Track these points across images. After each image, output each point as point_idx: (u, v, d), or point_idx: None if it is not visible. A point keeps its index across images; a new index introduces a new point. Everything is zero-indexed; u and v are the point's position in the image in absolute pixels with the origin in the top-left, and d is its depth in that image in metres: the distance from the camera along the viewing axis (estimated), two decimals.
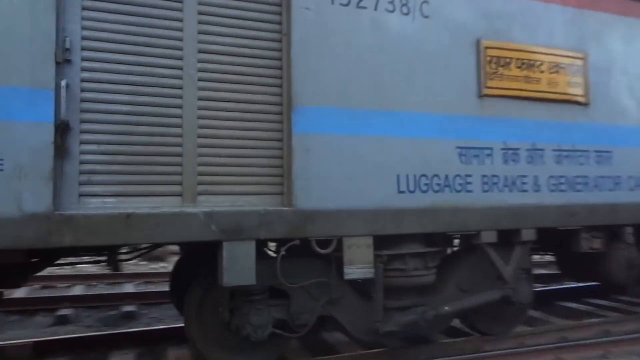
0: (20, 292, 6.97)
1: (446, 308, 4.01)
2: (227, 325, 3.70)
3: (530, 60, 4.17)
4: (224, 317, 3.65)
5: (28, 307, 6.37)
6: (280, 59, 3.49)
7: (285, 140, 3.44)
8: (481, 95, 3.97)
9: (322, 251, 3.55)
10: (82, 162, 3.02)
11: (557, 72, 4.28)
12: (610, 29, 4.61)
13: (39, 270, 3.92)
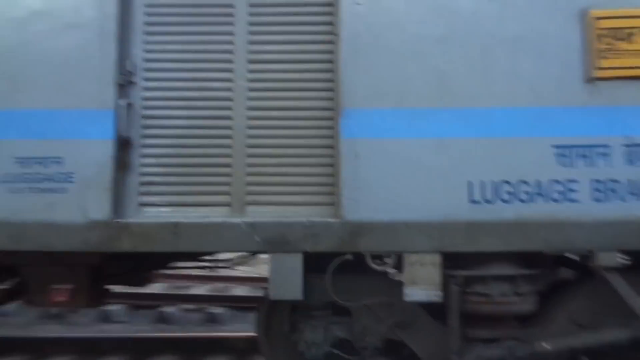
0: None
1: (544, 345, 3.24)
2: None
3: None
4: (284, 332, 3.55)
5: None
6: (331, 62, 3.29)
7: (335, 146, 3.21)
8: (590, 79, 3.14)
9: (378, 268, 3.20)
10: (142, 174, 3.27)
11: None
12: None
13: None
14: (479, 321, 3.32)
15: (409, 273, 3.14)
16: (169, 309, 6.88)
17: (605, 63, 3.14)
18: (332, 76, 3.27)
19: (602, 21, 3.16)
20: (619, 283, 3.18)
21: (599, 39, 3.15)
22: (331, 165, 3.22)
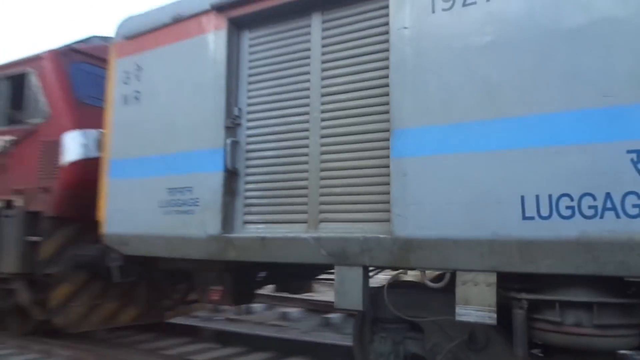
0: None
1: None
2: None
3: None
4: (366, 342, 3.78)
5: None
6: (387, 86, 3.47)
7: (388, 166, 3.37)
8: None
9: (434, 285, 3.19)
10: (245, 198, 4.05)
11: None
12: None
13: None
14: (562, 353, 2.94)
15: (461, 292, 3.05)
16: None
17: None
18: (387, 100, 3.44)
19: None
20: None
21: None
22: (386, 184, 3.38)
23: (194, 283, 5.03)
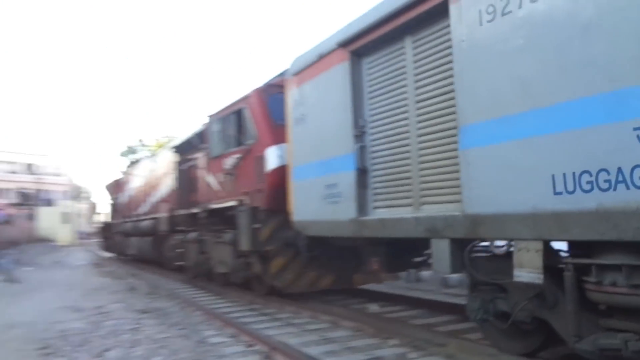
0: None
1: None
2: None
3: None
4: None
5: None
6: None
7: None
8: None
9: (498, 252, 3.86)
10: (373, 189, 5.25)
11: None
12: None
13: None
14: (597, 309, 3.32)
15: (517, 257, 3.66)
16: None
17: None
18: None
19: None
20: None
21: None
22: (458, 171, 4.13)
23: (360, 256, 6.44)
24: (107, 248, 25.98)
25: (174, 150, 12.73)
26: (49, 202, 52.95)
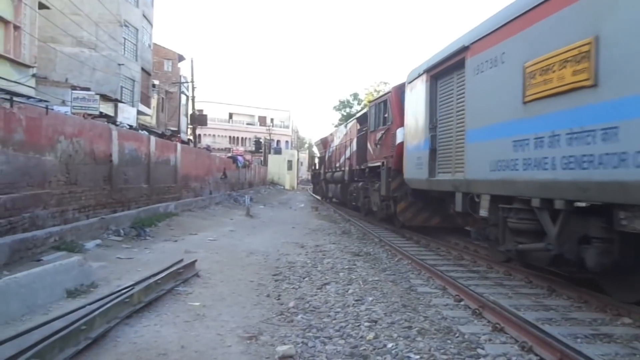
0: None
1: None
2: None
3: (546, 65, 5.18)
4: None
5: None
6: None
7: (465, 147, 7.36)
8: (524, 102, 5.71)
9: (478, 200, 7.13)
10: (438, 161, 8.66)
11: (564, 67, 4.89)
12: None
13: None
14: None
15: (481, 203, 6.89)
16: None
17: (528, 92, 5.63)
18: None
19: (529, 67, 5.63)
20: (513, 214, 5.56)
21: (528, 78, 5.66)
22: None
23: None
24: (315, 192, 35.07)
25: (356, 120, 17.21)
26: (277, 151, 63.58)
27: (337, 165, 21.19)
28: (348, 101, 57.41)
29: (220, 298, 5.42)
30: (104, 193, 10.90)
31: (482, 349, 3.97)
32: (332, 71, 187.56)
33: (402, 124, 10.96)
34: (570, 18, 4.93)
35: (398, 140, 11.08)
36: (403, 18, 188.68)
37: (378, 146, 12.80)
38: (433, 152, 8.77)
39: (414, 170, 9.60)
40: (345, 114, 53.70)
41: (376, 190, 12.99)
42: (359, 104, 53.98)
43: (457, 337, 4.24)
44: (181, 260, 6.48)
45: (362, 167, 14.92)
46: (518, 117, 5.81)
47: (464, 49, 7.33)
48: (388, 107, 12.07)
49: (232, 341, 4.03)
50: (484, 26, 6.91)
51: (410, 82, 10.07)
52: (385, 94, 12.60)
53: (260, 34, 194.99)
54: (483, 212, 6.86)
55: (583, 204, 5.12)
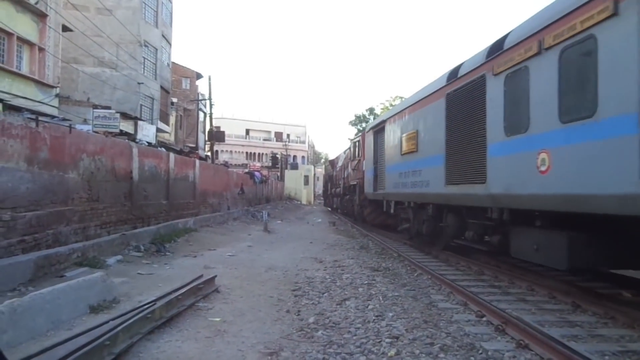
0: None
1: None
2: None
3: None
4: None
5: None
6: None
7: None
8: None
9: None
10: (377, 182, 8.63)
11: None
12: None
13: None
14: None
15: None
16: None
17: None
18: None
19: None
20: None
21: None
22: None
23: None
24: (325, 205, 44.32)
25: (349, 150, 23.14)
26: (293, 166, 63.98)
27: (339, 183, 27.51)
28: (364, 116, 57.68)
29: (240, 314, 5.43)
30: (125, 209, 11.06)
31: None
32: (347, 86, 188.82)
33: (365, 158, 16.42)
34: (410, 120, 10.77)
35: (363, 168, 16.84)
36: (418, 32, 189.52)
37: (354, 171, 19.60)
38: (375, 176, 14.14)
39: (368, 187, 15.59)
40: (360, 128, 54.07)
41: (355, 200, 19.95)
42: (374, 118, 54.16)
43: (481, 353, 4.16)
44: (201, 276, 6.51)
45: (351, 184, 21.06)
46: (400, 161, 11.33)
47: (383, 121, 13.40)
48: (358, 146, 18.87)
49: (253, 357, 4.03)
50: (390, 112, 13.22)
51: (367, 132, 16.34)
52: (355, 137, 20.38)
53: (277, 49, 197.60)
54: (391, 210, 12.57)
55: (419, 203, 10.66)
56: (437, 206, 9.54)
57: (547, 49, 5.63)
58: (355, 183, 18.86)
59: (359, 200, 18.30)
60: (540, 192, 5.57)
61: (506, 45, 6.60)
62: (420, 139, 9.84)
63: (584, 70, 5.02)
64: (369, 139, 15.04)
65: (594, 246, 5.49)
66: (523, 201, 6.12)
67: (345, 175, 23.14)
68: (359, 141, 18.47)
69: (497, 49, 6.90)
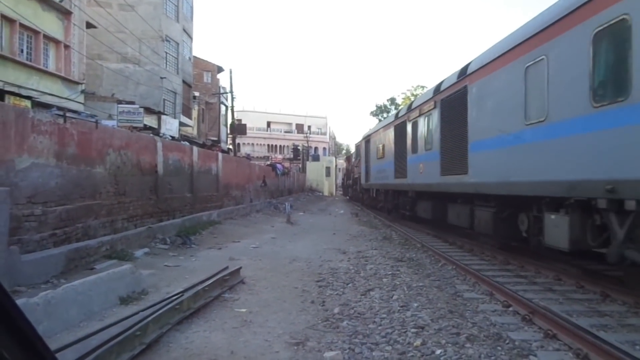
0: None
1: None
2: None
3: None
4: None
5: None
6: None
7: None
8: None
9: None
10: (370, 175, 8.53)
11: None
12: None
13: None
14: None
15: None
16: None
17: None
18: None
19: None
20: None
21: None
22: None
23: None
24: (344, 194, 49.08)
25: (355, 147, 29.15)
26: (315, 157, 63.95)
27: (351, 175, 35.73)
28: (385, 106, 57.28)
29: (265, 304, 5.49)
30: (150, 203, 11.25)
31: (535, 355, 3.88)
32: (369, 76, 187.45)
33: (361, 158, 21.35)
34: (381, 137, 17.86)
35: (362, 165, 22.82)
36: (439, 22, 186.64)
37: (357, 167, 27.06)
38: (366, 172, 20.37)
39: (362, 180, 22.24)
40: (382, 119, 53.82)
41: (357, 189, 28.24)
42: (396, 108, 53.95)
43: (508, 343, 4.14)
44: (226, 268, 6.60)
45: (354, 177, 30.48)
46: (377, 163, 18.06)
47: (368, 135, 20.66)
48: (358, 149, 25.44)
49: (279, 347, 4.08)
50: (373, 129, 20.52)
51: (363, 139, 22.00)
52: (361, 141, 23.92)
53: (297, 40, 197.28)
54: (373, 194, 19.48)
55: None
56: (391, 191, 17.18)
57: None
58: (357, 176, 27.11)
59: (359, 189, 26.97)
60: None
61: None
62: (385, 150, 16.71)
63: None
64: (363, 145, 22.66)
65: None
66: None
67: (354, 170, 31.02)
68: (359, 146, 25.56)
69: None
